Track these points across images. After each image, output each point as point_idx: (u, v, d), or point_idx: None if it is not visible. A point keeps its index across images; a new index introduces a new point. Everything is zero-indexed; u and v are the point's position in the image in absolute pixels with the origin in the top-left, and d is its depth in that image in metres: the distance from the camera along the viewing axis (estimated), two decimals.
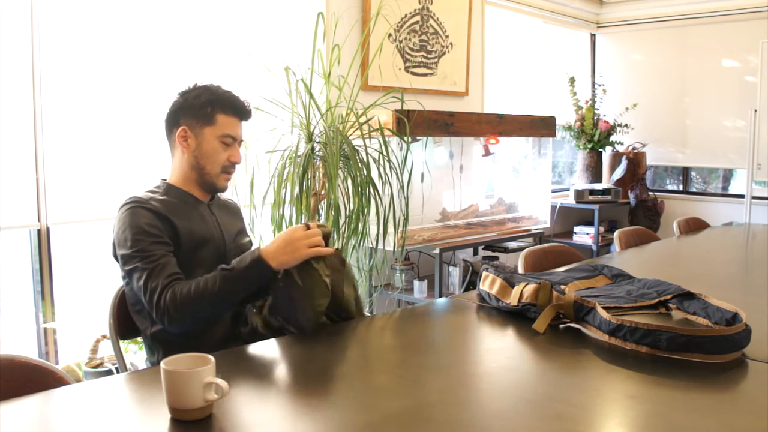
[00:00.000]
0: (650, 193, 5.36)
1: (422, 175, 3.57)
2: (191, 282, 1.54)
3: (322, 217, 2.95)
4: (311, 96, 2.95)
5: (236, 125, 1.76)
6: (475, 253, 4.22)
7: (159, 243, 1.58)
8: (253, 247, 1.64)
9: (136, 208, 1.61)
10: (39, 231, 2.65)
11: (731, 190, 5.46)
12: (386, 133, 3.04)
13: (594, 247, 4.99)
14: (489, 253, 4.19)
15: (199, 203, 1.76)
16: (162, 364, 1.09)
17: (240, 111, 1.77)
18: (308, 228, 1.57)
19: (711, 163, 5.40)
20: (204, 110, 1.72)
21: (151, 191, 1.72)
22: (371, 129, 3.04)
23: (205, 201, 1.79)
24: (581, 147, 5.37)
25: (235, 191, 2.79)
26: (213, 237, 1.73)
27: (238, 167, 1.83)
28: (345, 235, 2.98)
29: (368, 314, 1.78)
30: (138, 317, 1.69)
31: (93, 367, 2.70)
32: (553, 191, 5.11)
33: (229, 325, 1.72)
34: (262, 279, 1.56)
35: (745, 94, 5.00)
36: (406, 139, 3.09)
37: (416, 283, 3.67)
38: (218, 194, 1.85)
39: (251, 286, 1.56)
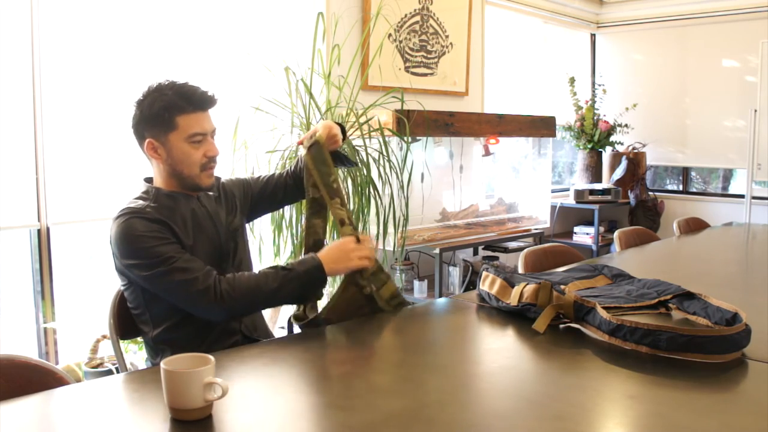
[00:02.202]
0: (650, 193, 5.36)
1: (422, 175, 3.58)
2: (247, 274, 1.59)
3: None
4: (311, 96, 2.96)
5: (201, 119, 1.66)
6: (475, 253, 4.22)
7: (171, 243, 1.57)
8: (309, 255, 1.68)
9: (131, 219, 1.58)
10: (39, 231, 2.65)
11: (731, 190, 5.46)
12: (386, 133, 3.04)
13: (594, 247, 4.99)
14: (489, 253, 4.19)
15: (190, 199, 1.72)
16: (162, 364, 1.09)
17: (199, 103, 1.66)
18: (358, 241, 1.68)
19: (711, 163, 5.40)
20: (161, 118, 1.63)
21: (141, 198, 1.67)
22: (371, 129, 3.05)
23: (195, 195, 1.75)
24: (581, 147, 5.37)
25: None
26: (208, 231, 1.71)
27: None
28: None
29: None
30: (140, 321, 1.68)
31: (93, 367, 2.70)
32: (553, 191, 5.11)
33: (234, 328, 1.72)
34: (317, 284, 1.62)
35: (745, 94, 5.00)
36: (406, 139, 3.09)
37: (416, 283, 3.67)
38: None
39: (306, 289, 1.62)
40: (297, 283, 1.59)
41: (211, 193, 1.81)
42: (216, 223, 1.74)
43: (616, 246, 2.99)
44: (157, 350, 1.68)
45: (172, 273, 1.53)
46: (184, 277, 1.52)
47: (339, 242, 1.66)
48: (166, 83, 1.67)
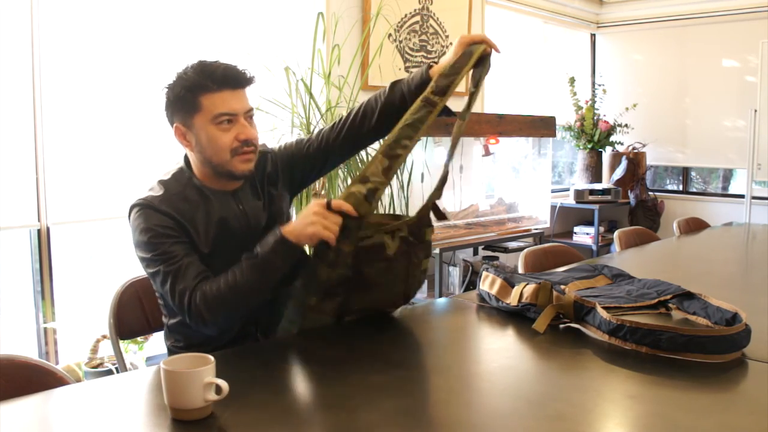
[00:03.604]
0: (650, 193, 5.36)
1: (422, 175, 3.58)
2: (218, 278, 1.45)
3: None
4: (311, 96, 2.96)
5: (228, 98, 1.51)
6: (475, 253, 4.22)
7: (178, 243, 1.48)
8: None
9: (145, 209, 1.50)
10: (39, 231, 2.65)
11: (731, 190, 5.46)
12: None
13: (594, 247, 4.99)
14: (489, 253, 4.19)
15: (220, 194, 1.58)
16: (162, 364, 1.09)
17: (223, 80, 1.50)
18: (329, 206, 1.42)
19: (711, 163, 5.40)
20: (185, 99, 1.50)
21: (168, 183, 1.55)
22: None
23: (230, 189, 1.60)
24: (581, 147, 5.37)
25: None
26: (238, 234, 1.58)
27: None
28: None
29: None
30: (161, 305, 1.66)
31: (93, 367, 2.70)
32: (553, 191, 5.11)
33: (249, 332, 1.67)
34: (290, 258, 1.44)
35: (745, 94, 5.00)
36: None
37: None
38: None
39: (280, 269, 1.44)
40: (267, 266, 1.43)
41: (253, 188, 1.65)
42: (250, 221, 1.62)
43: (616, 246, 2.99)
44: (170, 336, 1.65)
45: (168, 277, 1.45)
46: (176, 286, 1.45)
47: (308, 206, 1.45)
48: (195, 62, 1.54)
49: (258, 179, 1.67)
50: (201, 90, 1.49)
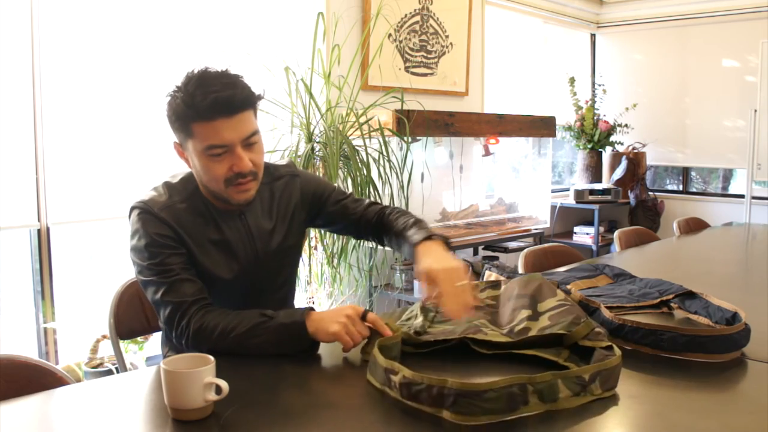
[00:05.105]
0: (650, 193, 5.36)
1: (422, 175, 3.58)
2: (222, 316, 1.37)
3: None
4: (311, 96, 2.96)
5: (222, 128, 1.37)
6: (475, 253, 4.22)
7: (175, 254, 1.42)
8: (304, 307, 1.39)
9: (144, 214, 1.44)
10: (39, 231, 2.65)
11: (731, 190, 5.46)
12: (386, 133, 3.05)
13: (594, 247, 4.99)
14: (489, 253, 4.19)
15: (226, 214, 1.51)
16: (162, 364, 1.09)
17: (211, 111, 1.35)
18: (364, 316, 1.36)
19: (711, 163, 5.40)
20: (175, 125, 1.42)
21: (174, 187, 1.49)
22: (371, 129, 3.05)
23: (236, 209, 1.52)
24: (581, 147, 5.37)
25: None
26: (239, 254, 1.51)
27: None
28: None
29: None
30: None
31: (93, 367, 2.70)
32: (553, 191, 5.11)
33: None
34: (295, 342, 1.34)
35: (745, 94, 5.01)
36: (406, 139, 3.09)
37: (416, 283, 3.67)
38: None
39: (283, 344, 1.34)
40: (273, 335, 1.33)
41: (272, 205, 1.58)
42: (257, 246, 1.54)
43: (616, 246, 2.99)
44: (167, 344, 1.63)
45: (161, 288, 1.41)
46: (168, 299, 1.39)
47: (343, 306, 1.38)
48: (185, 80, 1.39)
49: (278, 201, 1.60)
50: (192, 117, 1.37)
